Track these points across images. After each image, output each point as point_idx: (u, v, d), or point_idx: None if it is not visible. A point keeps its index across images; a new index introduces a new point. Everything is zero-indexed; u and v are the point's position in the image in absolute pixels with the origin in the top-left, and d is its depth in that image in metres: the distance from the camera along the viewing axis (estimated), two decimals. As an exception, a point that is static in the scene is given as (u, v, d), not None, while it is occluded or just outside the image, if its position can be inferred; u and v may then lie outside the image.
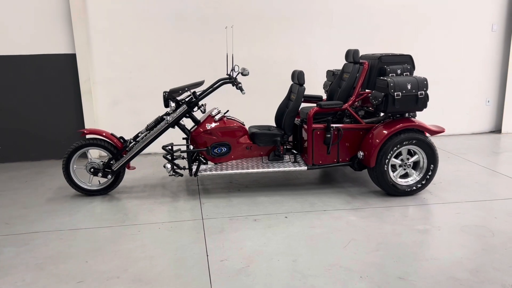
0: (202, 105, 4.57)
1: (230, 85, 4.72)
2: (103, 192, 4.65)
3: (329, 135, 4.40)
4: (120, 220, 3.98)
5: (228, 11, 6.24)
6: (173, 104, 4.47)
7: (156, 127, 4.52)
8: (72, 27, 5.87)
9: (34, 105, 6.08)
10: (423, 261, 3.12)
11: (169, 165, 4.45)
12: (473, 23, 6.94)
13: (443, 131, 4.54)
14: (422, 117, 5.76)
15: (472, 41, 7.01)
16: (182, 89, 4.48)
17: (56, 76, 6.05)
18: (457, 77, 7.11)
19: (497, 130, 7.42)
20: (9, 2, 5.76)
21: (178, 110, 4.49)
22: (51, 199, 4.59)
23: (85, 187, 4.61)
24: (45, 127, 6.17)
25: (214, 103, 5.26)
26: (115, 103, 6.29)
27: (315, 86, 6.05)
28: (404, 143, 4.32)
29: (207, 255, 3.26)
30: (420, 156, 4.43)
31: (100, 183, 4.67)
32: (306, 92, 4.76)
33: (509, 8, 6.97)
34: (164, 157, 4.51)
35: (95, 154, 6.10)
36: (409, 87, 4.21)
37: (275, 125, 5.00)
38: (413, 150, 4.43)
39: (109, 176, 4.56)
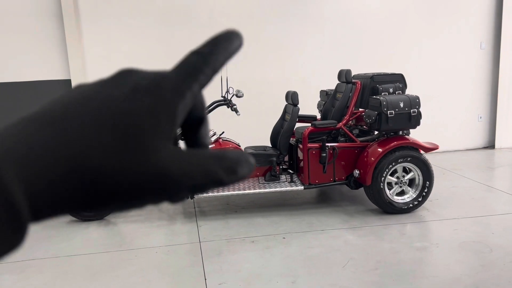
0: (198, 127, 4.59)
1: (225, 106, 4.75)
2: (99, 217, 4.62)
3: (324, 154, 4.43)
4: (117, 245, 3.95)
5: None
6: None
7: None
8: (67, 54, 5.94)
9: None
10: (423, 278, 3.11)
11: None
12: (463, 41, 7.08)
13: (437, 148, 4.58)
14: (416, 135, 5.82)
15: (462, 59, 7.14)
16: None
17: (51, 101, 6.08)
18: (449, 95, 7.20)
19: (491, 145, 7.48)
20: (5, 29, 5.83)
21: (174, 133, 4.52)
22: (47, 225, 4.54)
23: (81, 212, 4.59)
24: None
25: (209, 125, 5.29)
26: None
27: (309, 106, 6.10)
28: (399, 160, 4.35)
29: (205, 279, 3.23)
30: (416, 173, 4.45)
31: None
32: (300, 112, 4.80)
33: (497, 26, 7.12)
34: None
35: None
36: (401, 105, 4.27)
37: (270, 146, 5.02)
38: (408, 168, 4.46)
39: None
